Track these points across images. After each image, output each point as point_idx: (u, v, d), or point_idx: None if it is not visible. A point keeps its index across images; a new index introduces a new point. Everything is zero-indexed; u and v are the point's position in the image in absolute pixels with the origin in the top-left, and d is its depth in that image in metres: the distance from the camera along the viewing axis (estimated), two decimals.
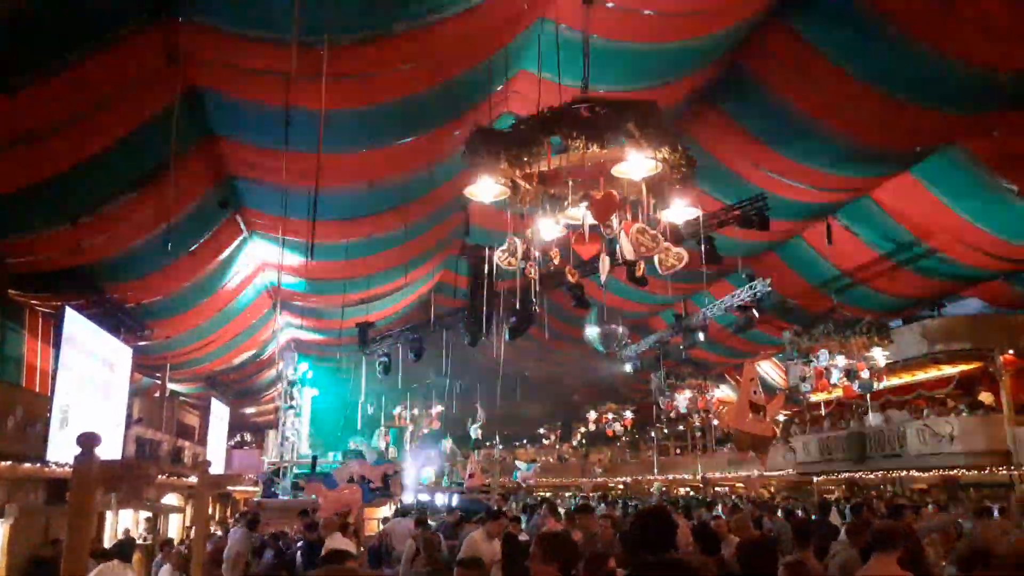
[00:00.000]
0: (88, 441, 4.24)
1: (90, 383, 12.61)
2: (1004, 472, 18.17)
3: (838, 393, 20.41)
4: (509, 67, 11.08)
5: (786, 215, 15.52)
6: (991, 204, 14.19)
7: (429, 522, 11.58)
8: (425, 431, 29.35)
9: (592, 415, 32.77)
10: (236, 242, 14.98)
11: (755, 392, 11.61)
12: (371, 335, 18.96)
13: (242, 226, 14.55)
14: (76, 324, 11.93)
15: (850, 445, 22.00)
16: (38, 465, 10.47)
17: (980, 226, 14.85)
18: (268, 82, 9.40)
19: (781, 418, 30.39)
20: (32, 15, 7.11)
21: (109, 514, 15.60)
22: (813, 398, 23.60)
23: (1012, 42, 10.48)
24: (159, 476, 15.09)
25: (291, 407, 24.45)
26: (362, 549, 11.05)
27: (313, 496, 14.30)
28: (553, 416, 41.63)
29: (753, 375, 12.35)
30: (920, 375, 21.37)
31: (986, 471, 18.56)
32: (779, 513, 14.19)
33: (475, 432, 32.79)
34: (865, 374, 16.79)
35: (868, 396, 20.18)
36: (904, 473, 21.43)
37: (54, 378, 11.70)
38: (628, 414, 32.30)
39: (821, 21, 11.42)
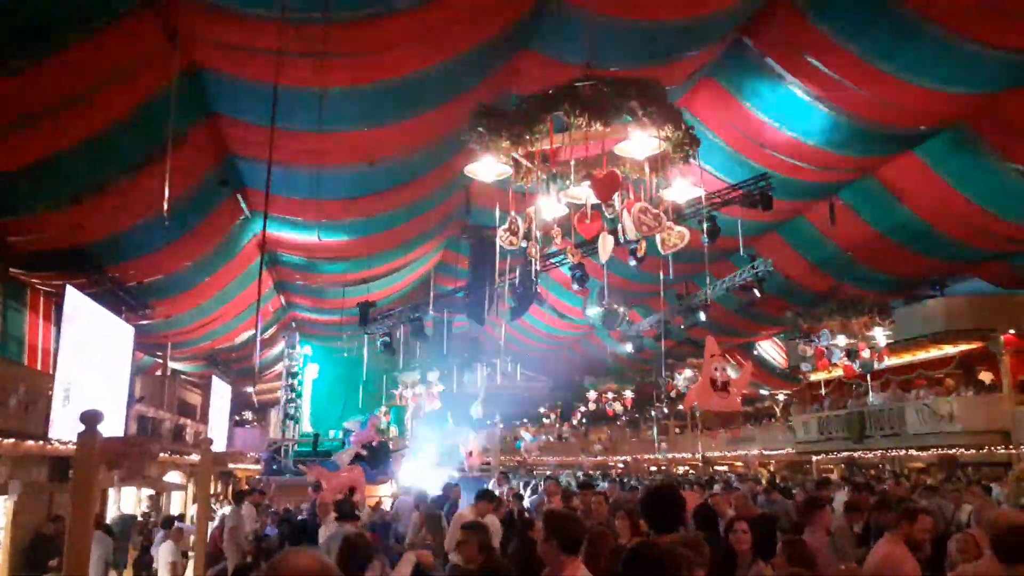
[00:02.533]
0: (91, 418, 4.26)
1: (92, 361, 12.63)
2: (1003, 451, 18.26)
3: (839, 373, 20.50)
4: (512, 46, 11.00)
5: (789, 195, 15.45)
6: (995, 184, 14.13)
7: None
8: (426, 410, 29.44)
9: (592, 395, 32.87)
10: (237, 221, 14.95)
11: (716, 369, 11.55)
12: (372, 315, 18.96)
13: (243, 205, 14.51)
14: (77, 303, 11.93)
15: (850, 424, 22.11)
16: (41, 443, 10.51)
17: (984, 206, 14.80)
18: (267, 61, 9.33)
19: (780, 397, 30.56)
20: None
21: (112, 491, 15.68)
22: (813, 377, 23.71)
23: (1019, 20, 10.38)
24: (161, 453, 15.15)
25: (292, 387, 24.57)
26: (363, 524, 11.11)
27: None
28: (554, 395, 41.76)
29: (715, 351, 12.24)
30: (921, 355, 21.42)
31: (985, 450, 18.65)
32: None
33: (475, 411, 32.91)
34: (866, 354, 16.81)
35: (868, 376, 20.22)
36: (903, 452, 21.54)
37: (56, 356, 11.72)
38: (628, 394, 32.40)
39: None
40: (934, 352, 21.13)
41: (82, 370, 12.08)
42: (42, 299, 13.01)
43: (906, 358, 21.32)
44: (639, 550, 2.97)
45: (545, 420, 42.77)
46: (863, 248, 17.99)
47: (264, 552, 9.53)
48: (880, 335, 16.91)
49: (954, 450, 19.64)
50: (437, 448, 22.68)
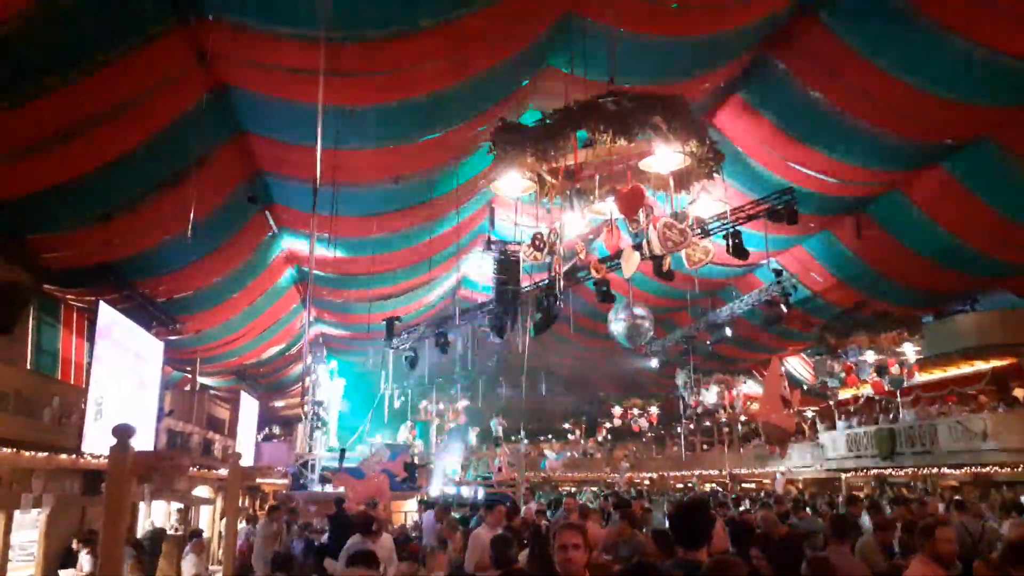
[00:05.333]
0: (124, 432, 4.34)
1: (123, 376, 12.81)
2: None
3: (867, 389, 20.21)
4: (536, 62, 11.09)
5: (815, 209, 15.36)
6: None
7: (453, 514, 11.66)
8: (451, 425, 29.51)
9: (617, 410, 32.70)
10: (265, 237, 15.14)
11: (784, 387, 11.59)
12: (397, 329, 19.07)
13: (271, 221, 14.71)
14: (109, 318, 12.14)
15: (879, 441, 21.73)
16: (74, 456, 10.67)
17: (1013, 219, 14.58)
18: (295, 79, 9.50)
19: (808, 414, 30.17)
20: (65, 18, 7.24)
21: (142, 505, 15.86)
22: (842, 394, 23.39)
23: None
24: (191, 468, 15.30)
25: (318, 402, 24.70)
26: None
27: (341, 488, 14.45)
28: (578, 411, 41.56)
29: (780, 370, 12.32)
30: (952, 371, 21.04)
31: (1021, 468, 18.24)
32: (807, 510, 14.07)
33: (496, 428, 32.91)
34: (895, 369, 16.58)
35: (899, 392, 19.91)
36: (935, 470, 21.13)
37: (89, 371, 11.92)
38: (653, 409, 32.20)
39: (850, 12, 11.29)
40: (966, 368, 20.75)
41: (114, 384, 12.27)
42: (75, 315, 13.24)
43: (937, 374, 20.97)
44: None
45: (570, 436, 42.56)
46: (891, 263, 17.79)
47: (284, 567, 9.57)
48: (910, 351, 16.67)
49: (988, 468, 19.23)
50: (462, 462, 22.68)
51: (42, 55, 7.58)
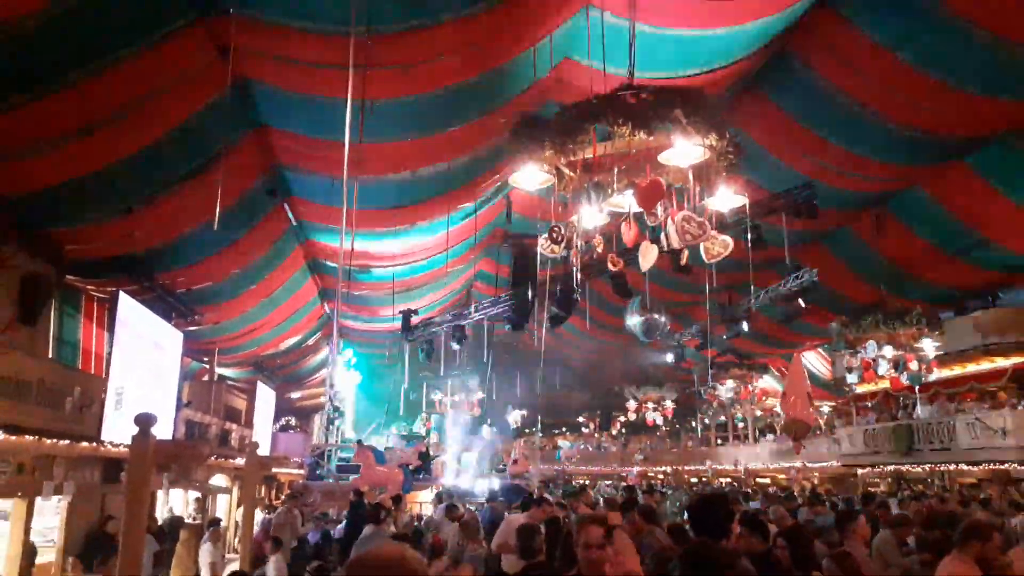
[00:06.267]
0: (145, 421, 4.40)
1: (143, 366, 12.96)
2: None
3: (885, 385, 20.06)
4: (554, 56, 11.05)
5: (834, 204, 15.24)
6: None
7: (468, 506, 11.80)
8: (466, 418, 29.61)
9: (632, 404, 32.66)
10: (284, 230, 15.23)
11: (807, 383, 11.56)
12: (414, 322, 19.12)
13: (289, 214, 14.78)
14: (129, 309, 12.27)
15: (897, 437, 21.57)
16: (94, 444, 10.81)
17: None
18: (315, 73, 9.52)
19: (825, 409, 30.00)
20: (86, 11, 7.29)
21: (160, 494, 16.04)
22: (859, 389, 23.22)
23: None
24: (209, 457, 15.46)
25: (335, 392, 24.84)
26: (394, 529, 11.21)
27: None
28: (593, 405, 41.57)
29: (803, 366, 12.29)
30: (972, 367, 20.83)
31: None
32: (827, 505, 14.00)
33: (513, 420, 32.98)
34: (914, 365, 16.45)
35: (917, 388, 19.75)
36: (953, 467, 20.96)
37: (109, 361, 12.07)
38: (669, 403, 32.12)
39: (871, 5, 11.17)
40: (985, 364, 20.53)
41: (133, 374, 12.42)
42: (96, 305, 13.39)
43: (956, 370, 20.77)
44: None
45: (584, 429, 42.60)
46: (911, 259, 17.65)
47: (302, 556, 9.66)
48: (929, 347, 16.53)
49: (1007, 465, 19.05)
50: (477, 455, 22.75)
51: (64, 49, 7.64)
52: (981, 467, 19.82)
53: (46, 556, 11.28)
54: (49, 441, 9.41)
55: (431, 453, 22.34)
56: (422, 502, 19.61)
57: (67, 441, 9.92)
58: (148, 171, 10.15)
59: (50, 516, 11.75)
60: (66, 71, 7.79)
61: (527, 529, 5.09)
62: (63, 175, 9.31)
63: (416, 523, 14.03)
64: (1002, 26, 10.42)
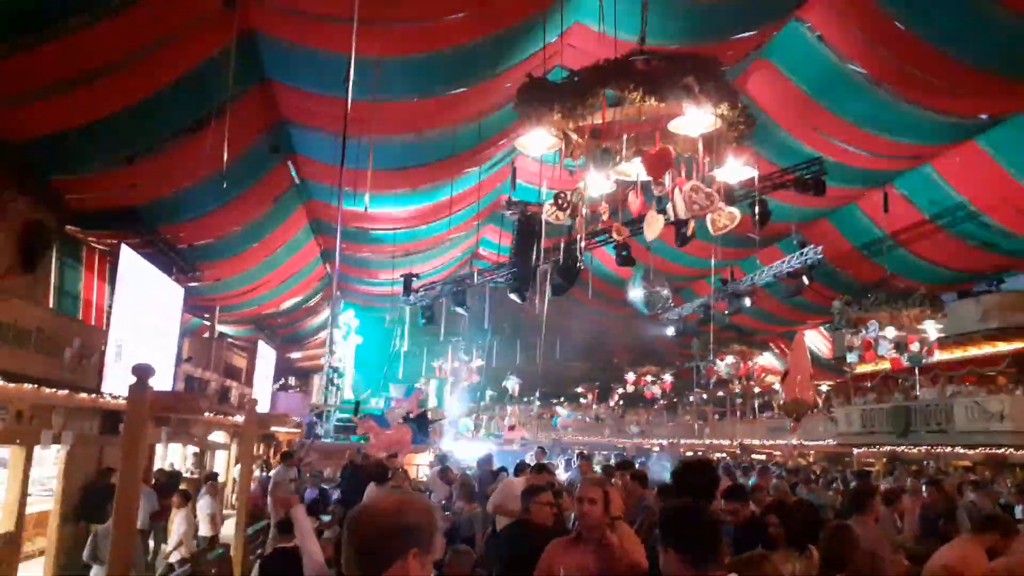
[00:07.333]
0: (143, 371, 4.35)
1: (143, 320, 12.95)
2: None
3: (885, 365, 20.05)
4: (564, 19, 10.86)
5: (842, 181, 15.09)
6: None
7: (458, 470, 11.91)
8: (464, 383, 29.70)
9: (631, 376, 32.73)
10: (287, 188, 15.12)
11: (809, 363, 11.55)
12: (415, 286, 19.09)
13: (292, 172, 14.67)
14: (131, 262, 12.22)
15: (894, 418, 21.65)
16: (93, 396, 10.83)
17: None
18: (322, 27, 9.37)
19: (824, 388, 30.08)
20: None
21: (159, 448, 16.14)
22: (859, 369, 23.25)
23: None
24: (207, 412, 15.53)
25: (334, 353, 24.90)
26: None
27: (363, 436, 14.60)
28: (591, 376, 41.66)
29: (805, 345, 12.26)
30: (973, 351, 20.84)
31: None
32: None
33: (512, 386, 33.06)
34: (915, 347, 16.41)
35: (917, 370, 19.76)
36: (949, 449, 21.06)
37: (109, 313, 12.05)
38: (667, 377, 32.19)
39: None
40: (987, 348, 20.53)
41: (134, 327, 12.40)
42: (97, 257, 13.34)
43: (957, 353, 20.77)
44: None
45: (582, 400, 42.75)
46: (917, 239, 17.52)
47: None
48: (931, 328, 16.47)
49: (1003, 450, 19.13)
50: (474, 420, 22.84)
51: None
52: (977, 450, 19.91)
53: (43, 505, 11.39)
54: (48, 390, 9.41)
55: (430, 417, 22.45)
56: (419, 464, 19.74)
57: (66, 391, 9.93)
58: (152, 121, 10.05)
59: (48, 467, 11.85)
60: (68, 16, 7.65)
61: (533, 489, 5.09)
62: (65, 123, 9.22)
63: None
64: (1019, 4, 10.20)
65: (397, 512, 1.84)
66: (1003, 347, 20.05)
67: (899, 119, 13.22)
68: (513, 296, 17.23)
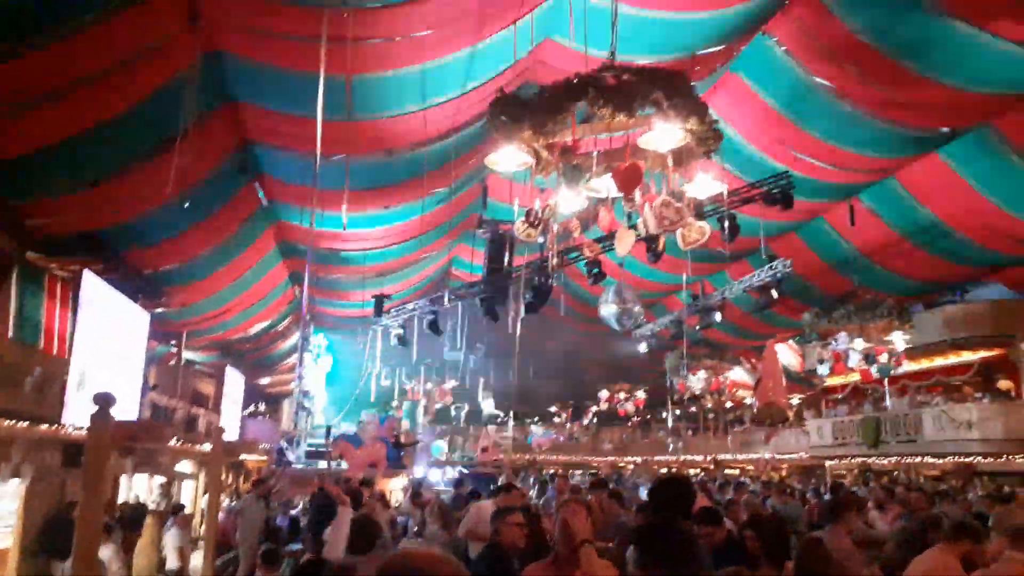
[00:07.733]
0: (104, 400, 4.19)
1: (107, 348, 12.63)
2: (1021, 460, 17.97)
3: (855, 377, 20.25)
4: (535, 36, 10.89)
5: (809, 195, 15.29)
6: (1021, 188, 13.91)
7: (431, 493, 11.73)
8: (438, 405, 29.45)
9: (604, 394, 32.71)
10: (254, 210, 14.91)
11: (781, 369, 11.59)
12: (387, 308, 18.91)
13: (260, 194, 14.48)
14: (94, 288, 11.93)
15: (865, 430, 21.83)
16: (55, 427, 10.51)
17: (1009, 210, 14.57)
18: (289, 46, 9.28)
19: (795, 402, 30.31)
20: None
21: (124, 479, 15.71)
22: (829, 381, 23.46)
23: None
24: (173, 440, 15.16)
25: (304, 378, 24.55)
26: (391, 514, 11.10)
27: (337, 461, 14.35)
28: (565, 394, 41.58)
29: (777, 353, 12.35)
30: (940, 361, 21.13)
31: (1003, 459, 18.36)
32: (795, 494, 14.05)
33: (487, 407, 32.85)
34: (884, 358, 16.60)
35: (886, 381, 19.97)
36: (919, 459, 21.26)
37: (72, 341, 11.73)
38: (640, 394, 32.22)
39: None
40: (953, 358, 20.83)
41: (98, 356, 12.09)
42: (59, 284, 13.00)
43: (924, 364, 21.04)
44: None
45: (556, 419, 42.61)
46: (883, 251, 17.78)
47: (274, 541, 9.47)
48: (899, 340, 16.68)
49: (971, 459, 19.34)
50: (447, 443, 22.57)
51: (27, 12, 7.34)
52: (946, 460, 20.12)
53: (2, 542, 10.98)
54: (7, 422, 9.11)
55: (403, 441, 22.16)
56: (392, 489, 19.46)
57: (26, 423, 9.62)
58: (114, 143, 9.83)
59: (9, 501, 11.44)
60: (26, 36, 7.48)
61: (501, 510, 4.96)
62: (24, 145, 8.99)
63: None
64: (980, 19, 10.43)
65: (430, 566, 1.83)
66: (969, 356, 20.36)
67: (864, 133, 13.44)
68: (485, 314, 17.15)
